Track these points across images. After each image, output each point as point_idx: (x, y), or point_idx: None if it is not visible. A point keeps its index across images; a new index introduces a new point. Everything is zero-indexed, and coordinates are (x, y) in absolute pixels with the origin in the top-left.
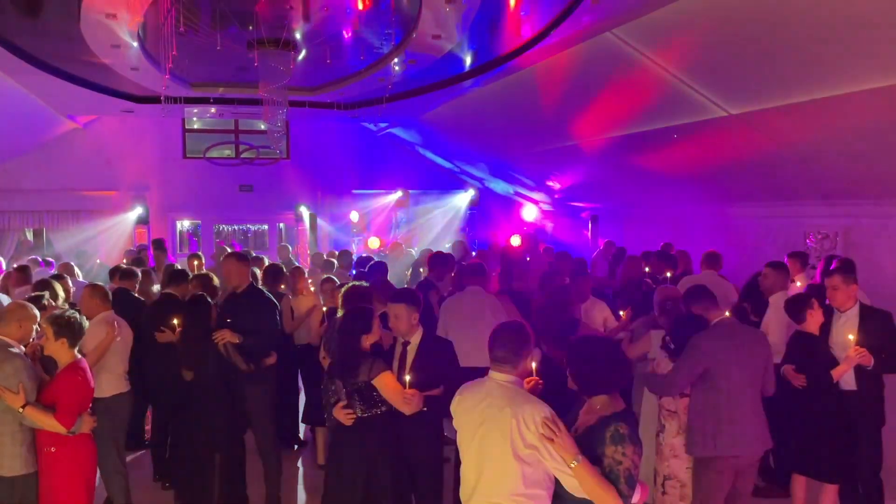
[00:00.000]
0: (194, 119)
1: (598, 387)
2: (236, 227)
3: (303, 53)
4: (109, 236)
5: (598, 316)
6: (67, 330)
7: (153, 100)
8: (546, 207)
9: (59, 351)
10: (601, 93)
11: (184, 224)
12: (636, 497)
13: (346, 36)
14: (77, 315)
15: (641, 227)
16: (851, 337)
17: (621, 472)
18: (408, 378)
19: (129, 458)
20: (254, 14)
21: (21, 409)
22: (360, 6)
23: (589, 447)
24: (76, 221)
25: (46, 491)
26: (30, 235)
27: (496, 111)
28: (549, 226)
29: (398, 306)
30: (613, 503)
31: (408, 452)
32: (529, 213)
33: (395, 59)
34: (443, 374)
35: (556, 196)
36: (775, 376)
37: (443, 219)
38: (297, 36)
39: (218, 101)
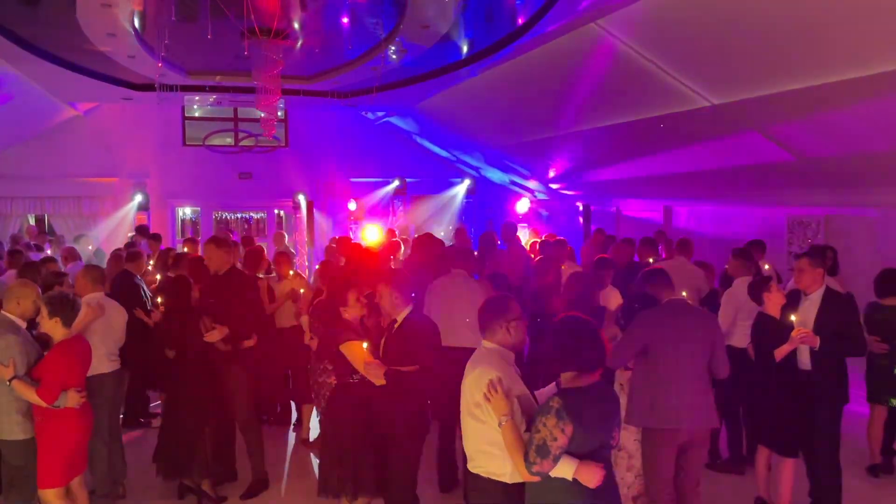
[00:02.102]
0: (195, 107)
1: (559, 363)
2: (239, 215)
3: (299, 42)
4: (110, 223)
5: (614, 301)
6: (61, 309)
7: (152, 87)
8: (541, 196)
9: (53, 329)
10: (587, 84)
11: (185, 211)
12: (574, 473)
13: (339, 24)
14: (72, 296)
15: (632, 216)
16: (794, 318)
17: (535, 441)
18: (365, 345)
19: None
20: (247, 3)
21: (9, 382)
22: None
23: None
24: (77, 208)
25: (39, 457)
26: (32, 221)
27: (487, 101)
28: (543, 214)
29: (381, 287)
30: (516, 461)
31: (383, 426)
32: (524, 202)
33: (388, 48)
34: (415, 352)
35: (550, 186)
36: (732, 358)
37: (439, 207)
38: (291, 24)
39: (214, 90)
